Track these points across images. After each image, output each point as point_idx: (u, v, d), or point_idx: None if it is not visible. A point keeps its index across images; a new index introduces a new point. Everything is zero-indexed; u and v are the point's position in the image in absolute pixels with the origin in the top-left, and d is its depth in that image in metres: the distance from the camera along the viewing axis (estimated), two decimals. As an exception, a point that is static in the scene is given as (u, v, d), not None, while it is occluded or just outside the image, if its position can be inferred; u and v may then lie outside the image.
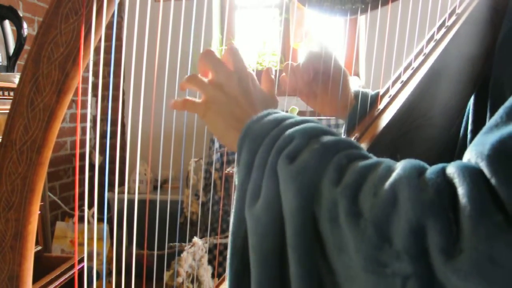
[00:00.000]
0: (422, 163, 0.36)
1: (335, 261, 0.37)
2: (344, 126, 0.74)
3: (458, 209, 0.30)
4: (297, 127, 0.44)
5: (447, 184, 0.32)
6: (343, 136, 0.66)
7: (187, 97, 0.56)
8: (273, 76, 0.58)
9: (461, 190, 0.31)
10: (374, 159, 0.40)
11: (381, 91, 0.72)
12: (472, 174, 0.31)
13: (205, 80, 0.55)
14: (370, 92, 0.74)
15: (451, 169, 0.33)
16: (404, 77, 0.68)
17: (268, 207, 0.41)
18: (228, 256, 0.46)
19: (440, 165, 0.35)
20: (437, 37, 0.68)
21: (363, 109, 0.71)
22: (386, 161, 0.39)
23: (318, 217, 0.38)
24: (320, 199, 0.38)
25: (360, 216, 0.35)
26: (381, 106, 0.68)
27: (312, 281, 0.39)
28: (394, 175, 0.35)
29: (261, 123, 0.47)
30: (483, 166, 0.31)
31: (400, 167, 0.36)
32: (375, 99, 0.71)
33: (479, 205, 0.29)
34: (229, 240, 0.46)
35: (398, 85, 0.68)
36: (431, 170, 0.34)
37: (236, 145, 0.48)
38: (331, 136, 0.43)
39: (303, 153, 0.41)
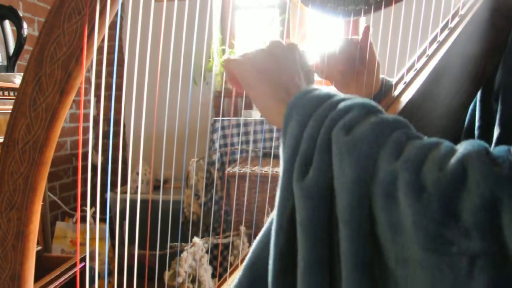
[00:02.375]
0: (485, 143, 0.35)
1: (386, 242, 0.35)
2: None
3: None
4: (354, 100, 0.42)
5: None
6: None
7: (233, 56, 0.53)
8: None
9: None
10: (433, 138, 0.38)
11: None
12: None
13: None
14: (391, 80, 0.74)
15: None
16: (407, 78, 0.68)
17: (320, 179, 0.39)
18: (272, 234, 0.43)
19: (504, 146, 0.34)
20: (440, 38, 0.68)
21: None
22: (446, 141, 0.37)
23: (373, 192, 0.36)
24: (377, 173, 0.36)
25: (423, 190, 0.33)
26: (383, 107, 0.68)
27: (364, 259, 0.36)
28: (461, 151, 0.34)
29: (312, 95, 0.44)
30: None
31: (466, 144, 0.35)
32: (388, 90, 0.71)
33: None
34: (275, 216, 0.43)
35: (401, 86, 0.68)
36: (498, 149, 0.33)
37: (282, 117, 0.45)
38: (387, 114, 0.41)
39: (360, 125, 0.39)
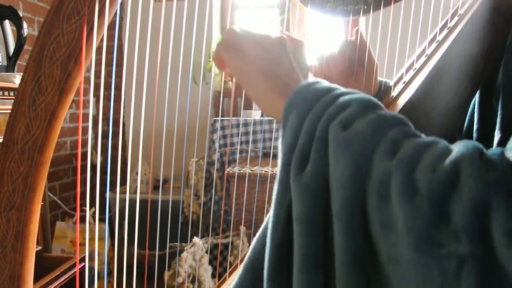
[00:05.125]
0: (481, 145, 0.35)
1: (377, 240, 0.35)
2: None
3: None
4: (353, 95, 0.42)
5: (510, 166, 0.31)
6: None
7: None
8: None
9: None
10: (430, 137, 0.38)
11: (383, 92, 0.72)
12: None
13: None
14: (390, 82, 0.74)
15: (510, 152, 0.32)
16: (406, 78, 0.68)
17: (317, 174, 0.39)
18: (269, 228, 0.43)
19: (499, 148, 0.34)
20: (439, 38, 0.68)
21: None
22: (443, 141, 0.37)
23: (367, 189, 0.36)
24: (372, 171, 0.36)
25: (416, 191, 0.33)
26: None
27: (357, 255, 0.37)
28: (455, 153, 0.34)
29: (310, 89, 0.44)
30: None
31: (460, 145, 0.35)
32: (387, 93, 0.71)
33: None
34: (271, 211, 0.43)
35: (400, 85, 0.68)
36: (492, 151, 0.33)
37: (279, 111, 0.45)
38: (385, 110, 0.41)
39: (358, 121, 0.39)
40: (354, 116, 0.39)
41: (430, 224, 0.31)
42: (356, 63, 0.71)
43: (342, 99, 0.42)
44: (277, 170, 0.43)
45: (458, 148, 0.34)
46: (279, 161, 0.43)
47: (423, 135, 0.39)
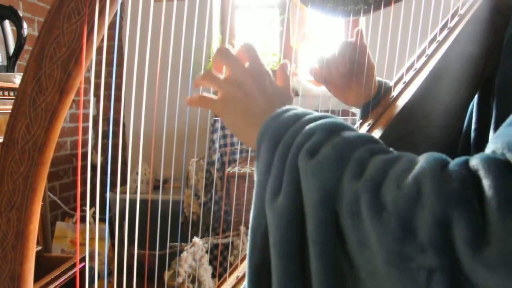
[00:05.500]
0: (444, 156, 0.36)
1: (356, 256, 0.37)
2: (359, 114, 0.74)
3: (484, 201, 0.30)
4: (317, 122, 0.44)
5: (471, 176, 0.32)
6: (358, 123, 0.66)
7: (204, 94, 0.56)
8: (288, 72, 0.58)
9: (486, 182, 0.31)
10: (395, 153, 0.40)
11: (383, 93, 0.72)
12: (497, 165, 0.31)
13: (221, 76, 0.54)
14: (390, 83, 0.74)
15: (475, 161, 0.33)
16: (406, 78, 0.68)
17: (289, 202, 0.41)
18: (247, 253, 0.45)
19: (462, 158, 0.35)
20: (440, 38, 0.68)
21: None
22: (408, 154, 0.38)
23: (339, 212, 0.38)
24: (341, 194, 0.37)
25: (383, 209, 0.34)
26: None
27: (333, 277, 0.38)
28: (417, 168, 0.35)
29: (279, 120, 0.46)
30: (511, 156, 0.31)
31: (422, 160, 0.35)
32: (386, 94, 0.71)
33: (507, 197, 0.29)
34: (248, 237, 0.45)
35: (400, 86, 0.68)
36: (454, 163, 0.34)
37: (255, 142, 0.47)
38: (351, 131, 0.43)
39: (323, 147, 0.40)
40: (319, 143, 0.41)
41: (398, 239, 0.33)
42: (356, 64, 0.71)
43: (308, 127, 0.43)
44: (253, 197, 0.46)
45: (420, 162, 0.35)
46: (254, 190, 0.46)
47: (391, 149, 0.41)
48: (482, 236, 0.29)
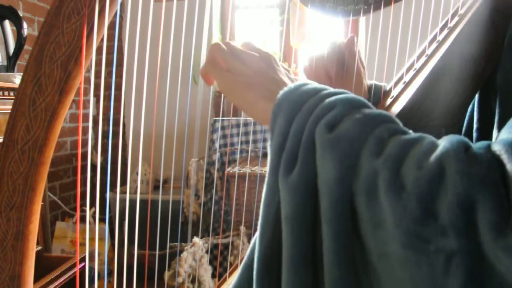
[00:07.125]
0: (466, 139, 0.35)
1: (369, 238, 0.36)
2: None
3: (509, 185, 0.30)
4: (338, 96, 0.42)
5: (496, 160, 0.32)
6: None
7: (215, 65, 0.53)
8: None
9: (510, 167, 0.30)
10: (416, 134, 0.38)
11: (383, 92, 0.72)
12: None
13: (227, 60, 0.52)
14: (385, 85, 0.74)
15: (497, 146, 0.33)
16: (406, 78, 0.68)
17: (305, 176, 0.39)
18: (258, 229, 0.44)
19: (485, 142, 0.34)
20: (440, 38, 0.68)
21: (374, 103, 0.70)
22: (428, 137, 0.37)
23: (355, 190, 0.36)
24: (359, 171, 0.36)
25: (403, 189, 0.33)
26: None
27: (346, 256, 0.37)
28: (440, 149, 0.34)
29: (298, 92, 0.44)
30: None
31: (445, 141, 0.35)
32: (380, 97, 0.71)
33: None
34: (260, 212, 0.44)
35: (400, 86, 0.68)
36: (477, 146, 0.33)
37: (268, 116, 0.45)
38: (371, 108, 0.41)
39: (343, 122, 0.39)
40: (339, 117, 0.40)
41: (417, 220, 0.32)
42: (345, 66, 0.71)
43: (328, 100, 0.42)
44: (266, 172, 0.44)
45: (443, 143, 0.35)
46: (268, 164, 0.44)
47: (410, 131, 0.40)
48: (507, 220, 0.29)
